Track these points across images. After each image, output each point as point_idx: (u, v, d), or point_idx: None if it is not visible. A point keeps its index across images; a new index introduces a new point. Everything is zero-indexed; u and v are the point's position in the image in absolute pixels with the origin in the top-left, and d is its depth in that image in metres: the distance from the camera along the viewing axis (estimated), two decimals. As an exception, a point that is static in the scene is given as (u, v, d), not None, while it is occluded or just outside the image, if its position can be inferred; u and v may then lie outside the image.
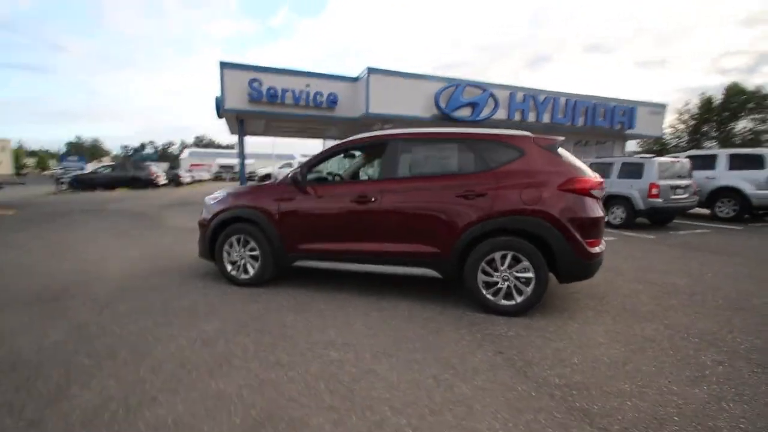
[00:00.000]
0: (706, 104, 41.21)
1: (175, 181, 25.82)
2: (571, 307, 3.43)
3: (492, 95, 12.94)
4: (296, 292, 3.78)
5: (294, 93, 11.89)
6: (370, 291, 3.82)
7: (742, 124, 40.06)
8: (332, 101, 12.31)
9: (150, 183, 21.15)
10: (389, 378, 2.26)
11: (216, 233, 4.05)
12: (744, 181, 8.95)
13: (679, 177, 8.32)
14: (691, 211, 9.12)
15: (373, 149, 4.09)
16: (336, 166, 4.73)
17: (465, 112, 12.79)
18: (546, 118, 13.93)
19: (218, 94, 12.02)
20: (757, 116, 39.59)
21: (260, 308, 3.34)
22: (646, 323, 3.11)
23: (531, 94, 13.66)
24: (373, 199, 3.51)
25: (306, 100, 12.04)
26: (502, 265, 3.19)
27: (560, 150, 3.34)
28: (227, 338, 2.74)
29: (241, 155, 12.99)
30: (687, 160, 8.78)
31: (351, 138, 3.87)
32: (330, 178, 4.48)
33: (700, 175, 9.40)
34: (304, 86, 11.98)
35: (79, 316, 3.12)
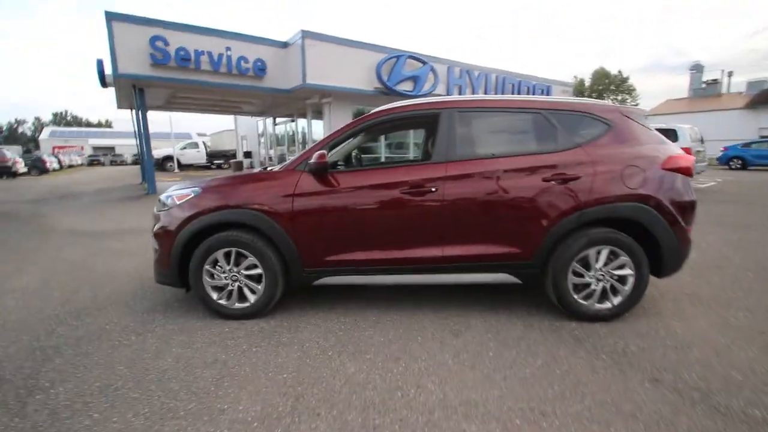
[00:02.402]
0: (579, 86, 47.43)
1: (38, 167, 20.49)
2: (645, 302, 3.08)
3: (432, 69, 12.46)
4: (323, 322, 2.77)
5: (211, 56, 9.83)
6: (408, 307, 2.99)
7: (607, 103, 47.26)
8: (260, 69, 10.53)
9: (5, 171, 16.30)
10: (585, 457, 1.54)
11: (189, 248, 2.76)
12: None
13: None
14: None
15: (418, 122, 3.17)
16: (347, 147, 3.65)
17: (407, 86, 12.12)
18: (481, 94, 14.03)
19: (102, 57, 9.32)
20: (617, 97, 47.14)
21: (301, 357, 2.29)
22: (727, 310, 2.89)
23: (466, 69, 13.57)
24: (433, 189, 2.64)
25: (228, 66, 10.06)
26: (597, 262, 2.66)
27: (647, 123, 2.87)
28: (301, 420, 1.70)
29: (146, 134, 10.41)
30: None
31: (385, 107, 2.89)
32: (343, 163, 3.42)
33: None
34: (224, 49, 9.97)
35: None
